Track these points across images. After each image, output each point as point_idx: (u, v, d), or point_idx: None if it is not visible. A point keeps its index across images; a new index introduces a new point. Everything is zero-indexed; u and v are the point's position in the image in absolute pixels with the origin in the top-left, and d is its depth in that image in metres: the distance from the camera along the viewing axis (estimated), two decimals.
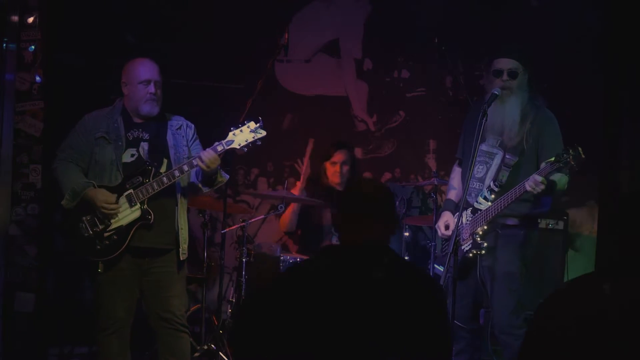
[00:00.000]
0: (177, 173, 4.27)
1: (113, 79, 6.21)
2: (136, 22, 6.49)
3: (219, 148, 4.27)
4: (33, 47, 5.69)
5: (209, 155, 4.23)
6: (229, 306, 5.67)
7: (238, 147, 4.27)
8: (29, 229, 5.74)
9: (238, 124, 4.31)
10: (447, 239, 4.61)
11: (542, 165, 4.17)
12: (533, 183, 4.13)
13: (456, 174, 4.74)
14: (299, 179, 6.61)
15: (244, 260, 5.33)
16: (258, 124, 4.28)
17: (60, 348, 5.89)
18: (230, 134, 4.29)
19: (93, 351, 5.79)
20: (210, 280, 6.08)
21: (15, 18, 5.66)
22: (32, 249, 5.74)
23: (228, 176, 4.56)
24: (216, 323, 5.57)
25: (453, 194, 4.68)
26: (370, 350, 2.51)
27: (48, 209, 5.93)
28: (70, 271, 6.28)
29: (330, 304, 2.55)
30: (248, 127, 4.28)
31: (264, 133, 4.30)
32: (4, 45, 5.65)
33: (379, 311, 2.54)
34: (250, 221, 5.61)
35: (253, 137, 4.28)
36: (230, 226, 5.75)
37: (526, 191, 4.19)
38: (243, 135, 4.28)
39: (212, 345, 5.39)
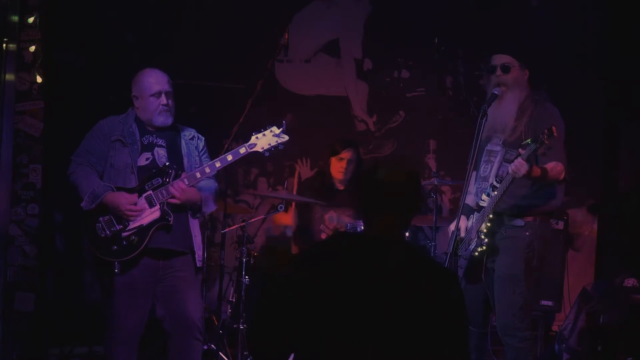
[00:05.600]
0: (198, 175, 4.25)
1: (113, 79, 6.27)
2: (136, 22, 6.50)
3: (242, 150, 4.27)
4: (33, 47, 5.69)
5: (175, 191, 4.20)
6: (229, 306, 5.67)
7: (261, 150, 4.29)
8: (29, 229, 5.74)
9: (261, 128, 4.31)
10: (460, 241, 4.59)
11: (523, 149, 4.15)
12: (515, 166, 4.11)
13: (472, 178, 4.73)
14: (298, 178, 6.63)
15: (244, 260, 5.33)
16: (281, 129, 4.30)
17: (60, 348, 5.89)
18: (253, 137, 4.29)
19: (93, 351, 5.81)
20: (210, 280, 6.08)
21: (15, 18, 5.66)
22: (32, 249, 5.74)
23: (214, 207, 4.55)
24: (216, 323, 5.57)
25: (470, 199, 4.63)
26: (384, 345, 2.46)
27: (48, 209, 5.94)
28: (70, 271, 6.29)
29: (344, 297, 2.49)
30: (271, 131, 4.29)
31: (286, 138, 4.31)
32: (4, 45, 5.65)
33: (393, 306, 2.47)
34: (250, 221, 5.61)
35: (276, 142, 4.29)
36: (230, 226, 5.75)
37: (512, 176, 4.16)
38: (266, 139, 4.29)
39: (212, 345, 5.39)
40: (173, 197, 4.22)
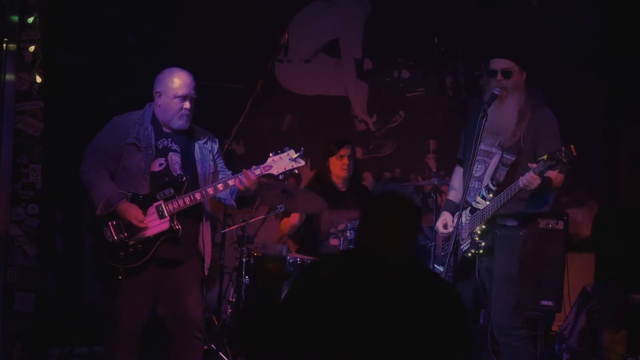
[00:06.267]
0: (210, 191, 4.23)
1: (113, 79, 6.28)
2: (136, 22, 6.49)
3: (257, 172, 4.24)
4: (33, 47, 5.69)
5: (249, 179, 4.22)
6: (229, 306, 5.67)
7: (276, 173, 4.27)
8: (29, 229, 5.74)
9: (278, 150, 4.29)
10: (447, 239, 4.62)
11: (536, 164, 4.17)
12: (527, 180, 4.14)
13: (457, 174, 4.75)
14: (298, 179, 6.61)
15: (244, 260, 5.33)
16: (298, 154, 4.28)
17: (60, 348, 5.89)
18: (270, 159, 4.27)
19: (93, 351, 5.81)
20: (210, 280, 6.06)
21: (15, 18, 5.66)
22: (32, 249, 5.73)
23: (258, 198, 4.55)
24: (216, 323, 5.57)
25: (452, 195, 4.69)
26: (384, 350, 2.47)
27: (48, 209, 5.94)
28: (70, 271, 6.29)
29: (346, 311, 2.51)
30: (288, 155, 4.27)
31: (302, 163, 4.30)
32: (4, 45, 5.65)
33: (397, 319, 2.50)
34: (250, 221, 5.60)
35: (292, 166, 4.28)
36: (230, 226, 5.75)
37: (521, 188, 4.19)
38: (282, 163, 4.27)
39: (212, 345, 5.39)
40: (245, 187, 4.22)
